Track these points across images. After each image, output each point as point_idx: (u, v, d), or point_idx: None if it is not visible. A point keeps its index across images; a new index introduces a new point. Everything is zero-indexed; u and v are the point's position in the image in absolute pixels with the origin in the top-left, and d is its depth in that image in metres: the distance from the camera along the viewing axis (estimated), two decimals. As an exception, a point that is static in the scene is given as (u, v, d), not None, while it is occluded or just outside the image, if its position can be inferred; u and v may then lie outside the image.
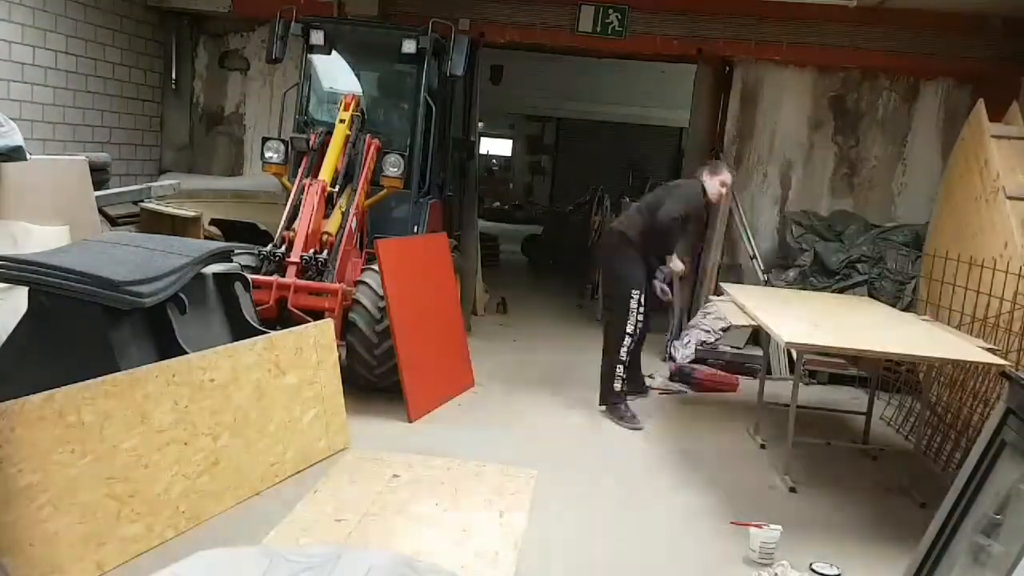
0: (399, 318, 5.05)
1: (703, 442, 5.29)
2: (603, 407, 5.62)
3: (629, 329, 5.49)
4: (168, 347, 3.82)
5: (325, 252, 5.33)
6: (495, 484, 4.24)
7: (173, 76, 8.51)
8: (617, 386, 5.52)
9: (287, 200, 5.66)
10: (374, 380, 5.27)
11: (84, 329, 3.64)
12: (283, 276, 5.13)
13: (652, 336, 7.85)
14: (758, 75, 8.03)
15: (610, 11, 7.87)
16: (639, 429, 5.38)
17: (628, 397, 5.63)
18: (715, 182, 5.67)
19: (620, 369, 5.52)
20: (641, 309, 5.53)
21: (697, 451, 5.09)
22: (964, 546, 2.21)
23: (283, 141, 5.97)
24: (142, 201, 6.24)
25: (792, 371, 7.08)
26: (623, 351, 5.50)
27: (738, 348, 7.12)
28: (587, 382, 6.18)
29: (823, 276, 7.30)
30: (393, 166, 5.88)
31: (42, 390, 2.92)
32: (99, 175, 5.77)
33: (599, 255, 6.27)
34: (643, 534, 3.88)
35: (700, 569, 3.60)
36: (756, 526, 3.71)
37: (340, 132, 5.77)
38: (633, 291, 5.50)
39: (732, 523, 3.91)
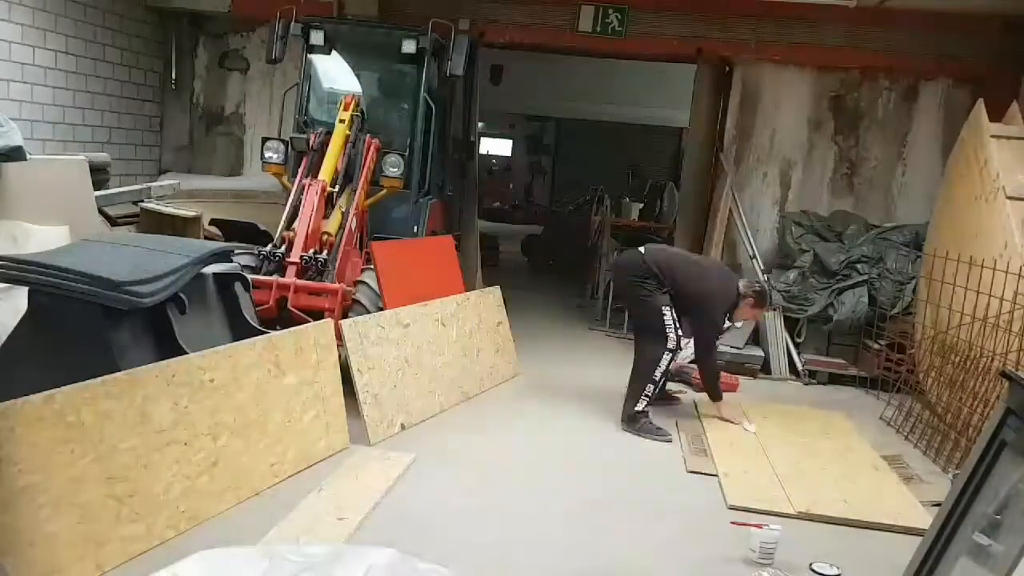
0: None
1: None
2: (625, 426, 5.33)
3: (670, 345, 5.31)
4: (168, 347, 3.82)
5: (325, 252, 5.34)
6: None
7: (173, 76, 8.52)
8: (640, 406, 5.27)
9: (287, 200, 5.66)
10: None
11: (84, 329, 3.65)
12: (283, 276, 5.14)
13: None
14: (758, 75, 8.02)
15: (610, 11, 7.87)
16: (668, 440, 5.17)
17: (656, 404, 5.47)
18: (747, 304, 5.47)
19: (650, 388, 5.29)
20: (676, 324, 5.33)
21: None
22: (964, 546, 2.21)
23: (283, 141, 5.97)
24: (142, 201, 6.24)
25: (792, 371, 7.12)
26: (658, 372, 5.31)
27: (738, 348, 7.12)
28: (589, 382, 6.19)
29: (823, 276, 7.29)
30: (393, 166, 5.88)
31: (42, 390, 2.92)
32: (99, 175, 5.77)
33: (618, 276, 5.92)
34: (643, 534, 3.88)
35: (700, 569, 3.60)
36: (756, 526, 3.71)
37: (340, 132, 5.78)
38: (664, 307, 5.31)
39: (732, 523, 3.91)
